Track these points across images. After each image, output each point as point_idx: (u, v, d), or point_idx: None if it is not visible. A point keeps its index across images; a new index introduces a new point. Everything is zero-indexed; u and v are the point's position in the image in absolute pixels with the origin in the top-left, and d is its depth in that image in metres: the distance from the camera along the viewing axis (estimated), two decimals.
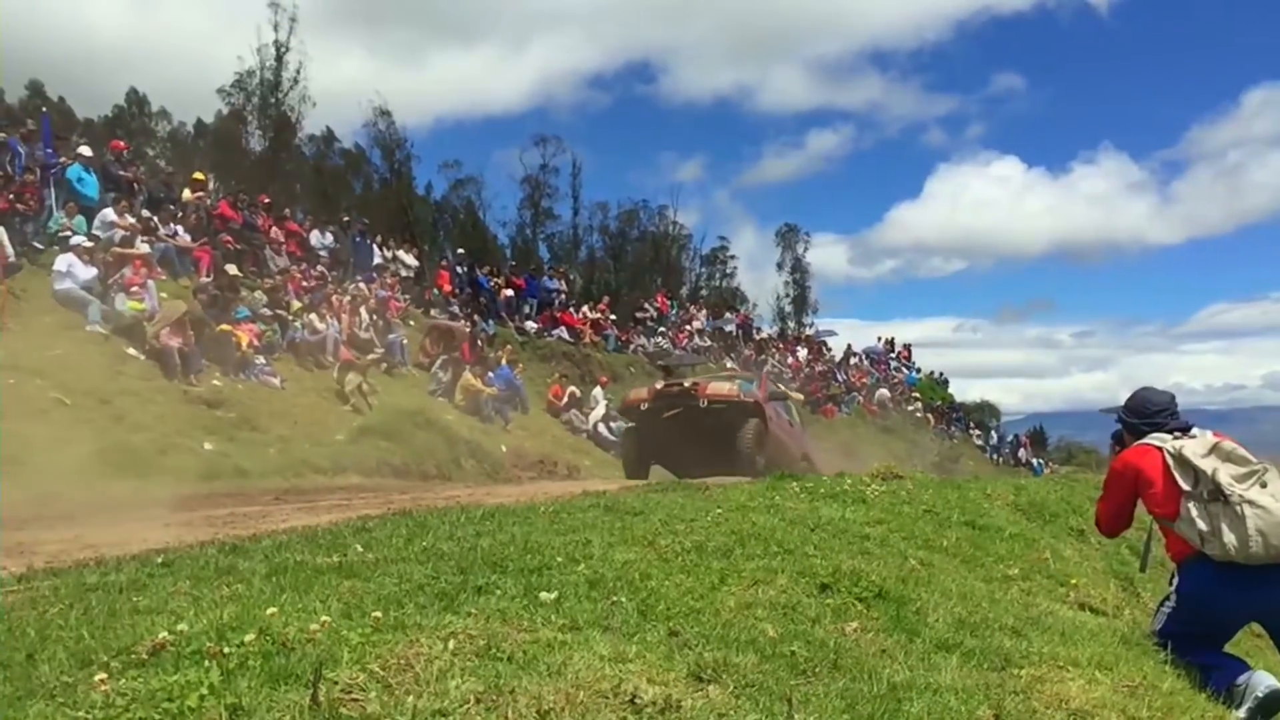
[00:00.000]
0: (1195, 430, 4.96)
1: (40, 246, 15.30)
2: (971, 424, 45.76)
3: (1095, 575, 7.14)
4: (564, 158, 52.55)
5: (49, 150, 17.14)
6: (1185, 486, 4.70)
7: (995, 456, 42.48)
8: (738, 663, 3.25)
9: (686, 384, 14.83)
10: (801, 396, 24.78)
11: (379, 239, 25.13)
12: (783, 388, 19.57)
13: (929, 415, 40.11)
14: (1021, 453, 45.29)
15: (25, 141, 16.87)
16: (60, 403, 11.50)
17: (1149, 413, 5.11)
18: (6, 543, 5.63)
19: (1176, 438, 4.89)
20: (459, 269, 26.09)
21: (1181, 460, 4.74)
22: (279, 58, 41.42)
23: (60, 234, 15.37)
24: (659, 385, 15.09)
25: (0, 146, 16.23)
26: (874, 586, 4.45)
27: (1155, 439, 4.95)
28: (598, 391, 22.90)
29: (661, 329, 31.84)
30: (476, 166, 77.91)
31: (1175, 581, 4.94)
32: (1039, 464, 42.98)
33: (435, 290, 24.21)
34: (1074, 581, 6.32)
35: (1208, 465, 4.66)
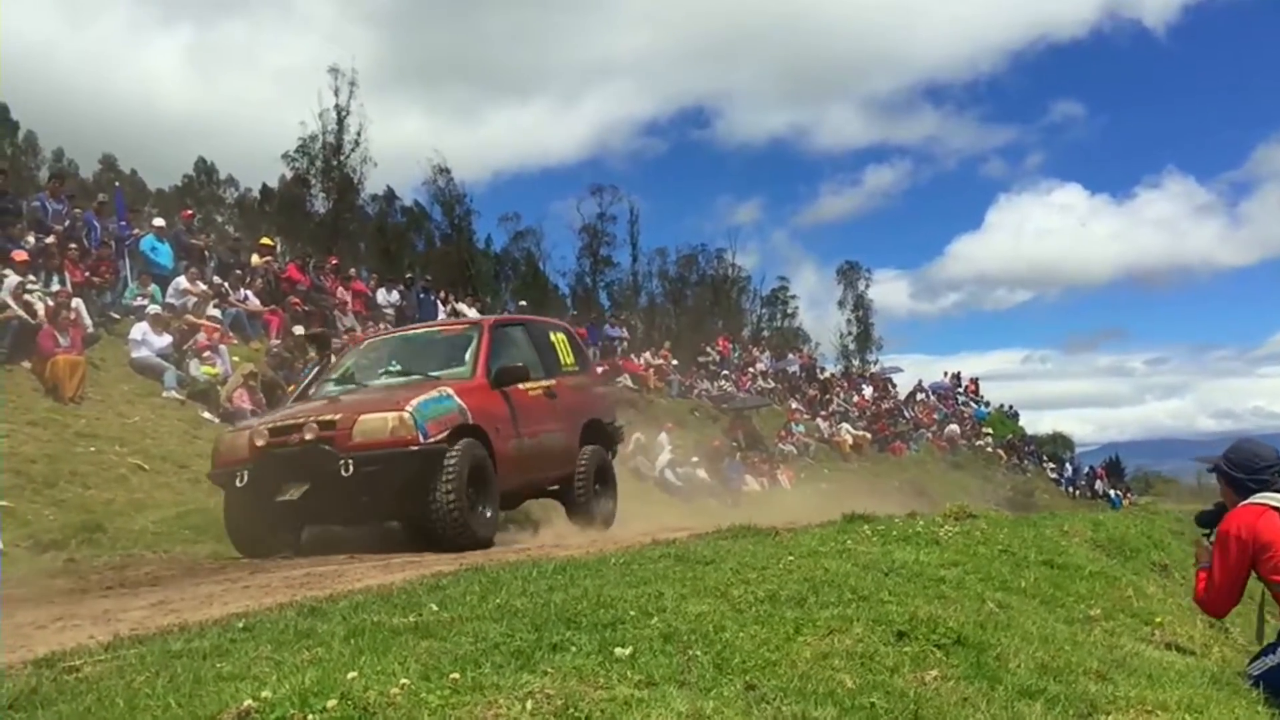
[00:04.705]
0: None
1: (117, 316, 15.75)
2: (1044, 457, 45.00)
3: (1180, 612, 6.95)
4: (621, 205, 53.26)
5: (123, 223, 17.70)
6: None
7: (1070, 489, 41.66)
8: (817, 716, 3.22)
9: (310, 431, 8.68)
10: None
11: (442, 294, 25.51)
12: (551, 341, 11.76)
13: (1000, 450, 39.49)
14: (1098, 485, 44.33)
15: (99, 215, 17.46)
16: (139, 468, 11.76)
17: (1256, 468, 4.83)
18: (93, 610, 5.77)
19: None
20: None
21: None
22: (340, 121, 42.53)
23: (136, 303, 15.81)
24: (260, 440, 8.89)
25: (76, 221, 16.79)
26: (952, 632, 4.37)
27: (1267, 498, 4.67)
28: (663, 437, 22.87)
29: (724, 372, 31.81)
30: (535, 218, 79.32)
31: None
32: (1116, 496, 42.11)
33: None
34: (1159, 620, 6.16)
35: None
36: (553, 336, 11.90)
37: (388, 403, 9.03)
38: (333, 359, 12.89)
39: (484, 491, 9.10)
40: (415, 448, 8.54)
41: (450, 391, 9.32)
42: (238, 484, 8.82)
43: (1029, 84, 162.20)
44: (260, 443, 8.87)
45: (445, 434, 8.78)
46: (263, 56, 73.98)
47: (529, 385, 10.39)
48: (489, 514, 9.18)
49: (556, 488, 10.98)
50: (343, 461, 8.43)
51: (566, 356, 11.71)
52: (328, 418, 8.84)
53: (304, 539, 9.45)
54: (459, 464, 8.70)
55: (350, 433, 8.59)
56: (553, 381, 11.00)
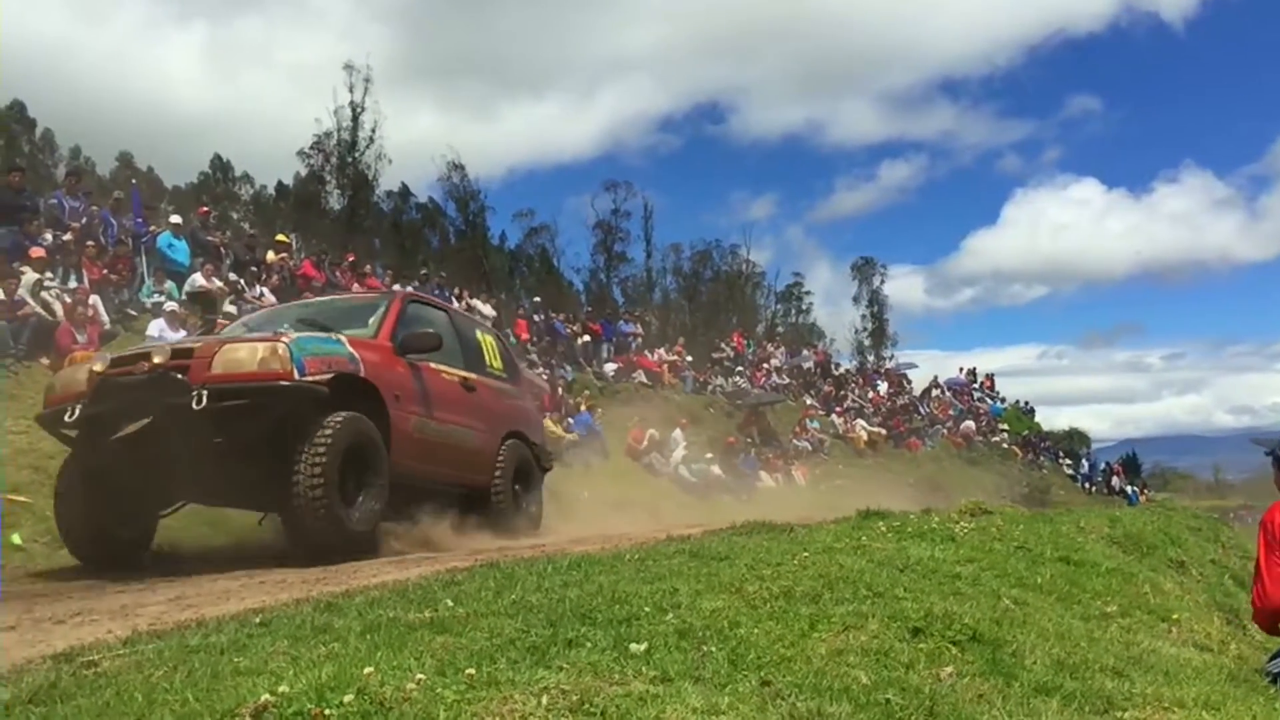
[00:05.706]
0: None
1: (134, 313, 15.82)
2: (1061, 453, 44.79)
3: (1197, 609, 6.92)
4: (635, 201, 53.40)
5: (139, 220, 17.78)
6: None
7: (1087, 486, 41.48)
8: (832, 712, 3.22)
9: (161, 355, 7.21)
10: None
11: (456, 290, 25.57)
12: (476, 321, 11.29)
13: (1016, 446, 39.36)
14: (1114, 481, 44.14)
15: (116, 212, 17.55)
16: None
17: None
18: (111, 605, 5.80)
19: None
20: (535, 317, 26.37)
21: None
22: (355, 118, 42.86)
23: (153, 300, 15.88)
24: (100, 365, 7.38)
25: (93, 218, 16.86)
26: (968, 629, 4.36)
27: None
28: (677, 433, 22.88)
29: (739, 368, 31.77)
30: (549, 214, 79.47)
31: None
32: (1133, 492, 41.92)
33: (513, 339, 24.49)
34: (1176, 617, 6.13)
35: None
36: (480, 335, 10.57)
37: (262, 336, 7.63)
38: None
39: (368, 477, 7.56)
40: (287, 383, 7.05)
41: (343, 339, 7.95)
42: (66, 419, 7.34)
43: (1046, 78, 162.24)
44: (99, 368, 7.34)
45: (328, 376, 7.30)
46: (278, 54, 74.70)
47: (443, 368, 9.09)
48: (374, 505, 7.59)
49: (466, 495, 9.43)
50: (196, 392, 6.88)
51: (493, 360, 10.39)
52: (186, 346, 7.54)
53: (154, 543, 8.41)
54: (337, 435, 7.18)
55: (210, 361, 7.11)
56: (471, 375, 9.65)
